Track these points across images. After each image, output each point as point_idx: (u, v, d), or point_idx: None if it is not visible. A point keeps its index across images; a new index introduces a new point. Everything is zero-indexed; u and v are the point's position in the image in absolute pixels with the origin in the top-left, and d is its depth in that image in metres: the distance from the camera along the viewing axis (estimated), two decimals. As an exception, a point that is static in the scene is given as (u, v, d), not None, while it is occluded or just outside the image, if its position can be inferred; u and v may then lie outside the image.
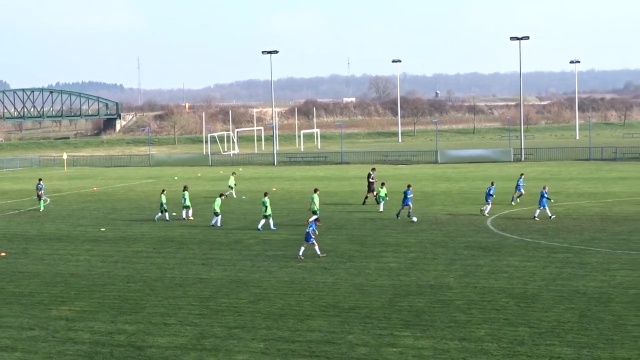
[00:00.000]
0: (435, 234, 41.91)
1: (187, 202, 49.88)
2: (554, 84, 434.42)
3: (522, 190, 54.38)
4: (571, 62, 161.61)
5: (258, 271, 33.69)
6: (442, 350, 22.16)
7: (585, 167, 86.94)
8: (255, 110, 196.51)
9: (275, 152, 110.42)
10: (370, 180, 56.66)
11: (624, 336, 23.00)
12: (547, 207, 46.42)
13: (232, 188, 62.84)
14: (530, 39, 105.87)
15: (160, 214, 49.58)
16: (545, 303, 27.00)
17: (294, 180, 79.86)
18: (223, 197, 47.97)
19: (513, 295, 28.25)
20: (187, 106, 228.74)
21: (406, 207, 47.40)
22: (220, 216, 46.60)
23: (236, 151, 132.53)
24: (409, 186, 49.03)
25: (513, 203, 53.04)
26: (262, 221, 45.05)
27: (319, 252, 36.25)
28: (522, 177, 55.97)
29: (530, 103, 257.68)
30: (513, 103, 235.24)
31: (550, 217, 45.99)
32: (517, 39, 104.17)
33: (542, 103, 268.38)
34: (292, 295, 29.24)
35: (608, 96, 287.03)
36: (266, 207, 44.71)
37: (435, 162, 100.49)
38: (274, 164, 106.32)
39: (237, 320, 25.96)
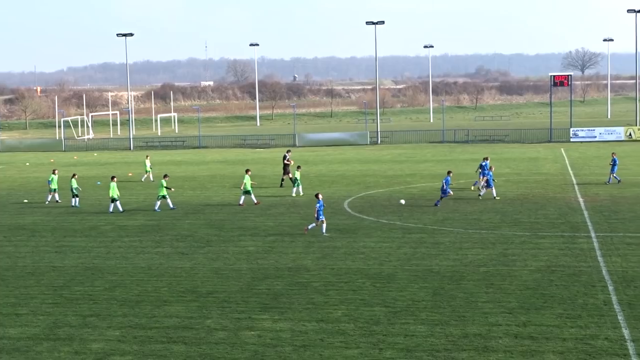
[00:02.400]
0: (294, 217, 42.14)
1: (54, 186, 49.76)
2: (409, 68, 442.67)
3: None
4: (425, 46, 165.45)
5: (114, 258, 33.08)
6: (300, 332, 22.34)
7: (439, 149, 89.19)
8: (110, 94, 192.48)
9: (131, 137, 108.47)
10: (286, 162, 56.35)
11: (475, 313, 23.76)
12: (493, 187, 47.39)
13: (148, 172, 61.79)
14: (386, 24, 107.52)
15: (73, 198, 48.25)
16: (400, 282, 27.60)
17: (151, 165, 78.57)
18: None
19: (369, 275, 28.74)
20: (39, 90, 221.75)
21: (445, 196, 45.63)
22: (117, 201, 45.54)
23: (91, 136, 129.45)
24: (449, 172, 46.80)
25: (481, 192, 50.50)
26: (112, 205, 45.08)
27: (324, 232, 36.62)
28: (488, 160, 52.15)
29: (387, 87, 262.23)
30: (370, 87, 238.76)
31: (495, 197, 47.01)
32: (373, 23, 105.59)
33: (398, 87, 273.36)
34: (150, 281, 28.87)
35: (461, 80, 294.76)
36: (162, 187, 45.40)
37: (294, 145, 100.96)
38: (130, 149, 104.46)
39: (92, 308, 25.43)
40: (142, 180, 61.50)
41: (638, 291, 25.64)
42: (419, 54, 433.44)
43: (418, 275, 28.57)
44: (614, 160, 53.09)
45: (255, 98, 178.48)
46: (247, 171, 48.33)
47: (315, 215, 36.90)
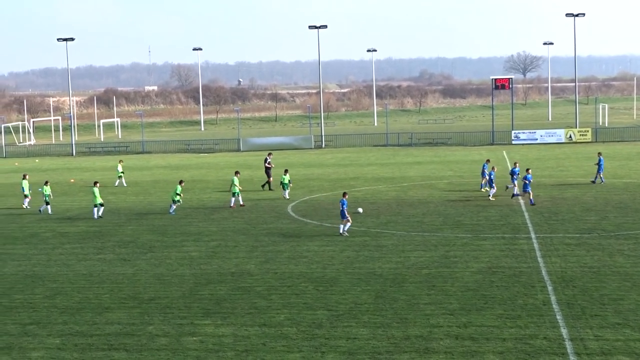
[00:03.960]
0: (237, 222, 42.05)
1: (26, 191, 49.87)
2: (353, 72, 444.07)
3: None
4: (369, 50, 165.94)
5: (55, 265, 32.69)
6: (242, 337, 22.30)
7: (383, 152, 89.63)
8: (52, 99, 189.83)
9: (73, 143, 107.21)
10: (267, 165, 56.11)
11: (417, 315, 23.94)
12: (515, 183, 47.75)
13: (120, 176, 61.23)
14: (329, 28, 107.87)
15: (44, 205, 47.62)
16: (343, 286, 27.69)
17: (93, 170, 77.87)
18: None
19: (312, 279, 28.79)
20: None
21: (526, 193, 45.48)
22: (99, 208, 45.16)
23: (32, 142, 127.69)
24: (527, 170, 46.63)
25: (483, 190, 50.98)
26: (95, 209, 44.91)
27: (345, 230, 37.16)
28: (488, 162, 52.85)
29: (331, 91, 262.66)
30: (314, 91, 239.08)
31: (489, 196, 47.50)
32: (316, 27, 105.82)
33: (342, 91, 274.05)
34: (91, 288, 28.58)
35: (404, 84, 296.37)
36: (95, 196, 44.93)
37: (238, 150, 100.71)
38: (72, 155, 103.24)
39: (32, 316, 25.10)
40: (115, 185, 61.02)
41: (576, 291, 26.05)
42: (363, 58, 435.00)
43: (361, 279, 28.70)
44: (599, 160, 53.96)
45: (199, 103, 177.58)
46: (236, 173, 48.96)
47: (341, 214, 37.44)
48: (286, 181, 50.40)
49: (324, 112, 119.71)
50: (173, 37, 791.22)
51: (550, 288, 26.55)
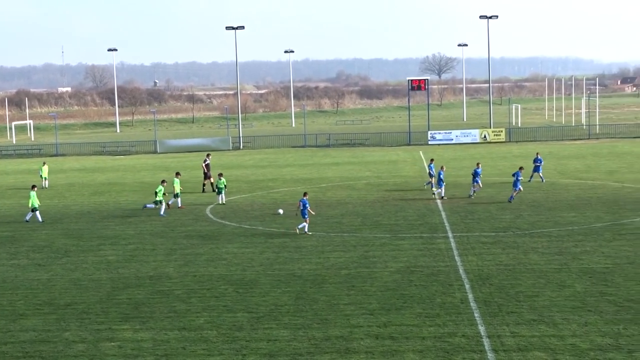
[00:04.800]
0: (155, 225, 41.58)
1: None
2: (270, 73, 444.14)
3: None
4: (286, 51, 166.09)
5: (-34, 271, 31.81)
6: (161, 341, 22.05)
7: (301, 153, 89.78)
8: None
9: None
10: (205, 165, 55.27)
11: (337, 315, 24.01)
12: (479, 183, 48.31)
13: (44, 178, 60.14)
14: (246, 29, 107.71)
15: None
16: (263, 288, 27.62)
17: (5, 174, 76.14)
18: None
19: (232, 281, 28.64)
20: None
21: (518, 190, 45.93)
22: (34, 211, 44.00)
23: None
24: (521, 168, 47.55)
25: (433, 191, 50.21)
26: (32, 213, 43.73)
27: (306, 230, 37.40)
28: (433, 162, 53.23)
29: (248, 92, 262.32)
30: (231, 92, 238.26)
31: (471, 196, 47.74)
32: (233, 28, 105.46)
33: (260, 92, 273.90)
34: (4, 294, 27.91)
35: (322, 85, 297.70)
36: (31, 199, 43.82)
37: (155, 152, 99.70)
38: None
39: (-58, 325, 24.36)
40: (45, 187, 59.87)
41: (493, 289, 26.47)
42: (281, 59, 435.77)
43: (281, 280, 28.66)
44: (538, 160, 55.00)
45: (114, 104, 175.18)
46: (177, 174, 48.61)
47: (302, 213, 37.52)
48: (222, 185, 48.74)
49: (241, 113, 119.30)
50: (87, 37, 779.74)
51: (467, 286, 26.92)
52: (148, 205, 45.79)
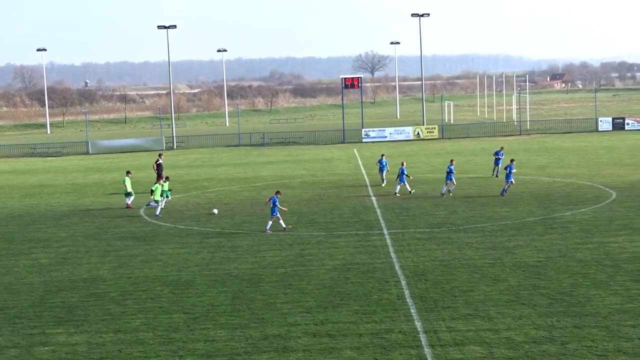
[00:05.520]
0: (88, 227, 41.02)
1: None
2: (203, 72, 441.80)
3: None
4: (219, 50, 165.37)
5: None
6: (96, 345, 21.74)
7: (236, 153, 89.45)
8: None
9: None
10: (157, 164, 54.28)
11: (274, 314, 23.95)
12: (406, 183, 47.48)
13: None
14: (179, 28, 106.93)
15: None
16: (199, 288, 27.43)
17: None
18: None
19: (167, 282, 28.39)
20: None
21: (510, 183, 46.14)
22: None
23: None
24: (512, 160, 47.87)
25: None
26: None
27: (268, 229, 37.27)
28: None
29: (181, 91, 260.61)
30: (164, 92, 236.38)
31: (410, 191, 47.35)
32: (165, 27, 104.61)
33: (193, 91, 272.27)
34: None
35: (255, 84, 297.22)
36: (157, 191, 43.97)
37: (87, 153, 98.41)
38: None
39: None
40: None
41: (429, 284, 26.68)
42: (213, 58, 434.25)
43: (217, 280, 28.50)
44: (500, 154, 55.38)
45: (44, 105, 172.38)
46: (127, 173, 48.51)
47: (271, 211, 37.36)
48: (165, 188, 46.89)
49: (174, 113, 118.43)
50: (15, 37, 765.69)
51: (403, 282, 27.09)
52: (151, 204, 45.25)
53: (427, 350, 20.32)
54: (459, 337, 21.22)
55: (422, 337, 21.28)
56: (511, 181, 46.30)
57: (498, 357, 19.67)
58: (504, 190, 46.33)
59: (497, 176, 54.08)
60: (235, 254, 32.79)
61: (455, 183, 47.41)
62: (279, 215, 37.47)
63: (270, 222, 37.57)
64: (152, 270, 30.44)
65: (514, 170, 46.77)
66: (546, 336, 21.03)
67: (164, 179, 47.48)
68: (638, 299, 24.15)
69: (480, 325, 22.15)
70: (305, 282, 27.65)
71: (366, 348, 20.70)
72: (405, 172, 47.98)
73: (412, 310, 23.70)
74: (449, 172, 47.00)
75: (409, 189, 48.01)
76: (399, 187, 47.86)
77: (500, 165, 54.58)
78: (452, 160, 48.73)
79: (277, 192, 38.57)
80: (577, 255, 30.18)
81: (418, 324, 22.39)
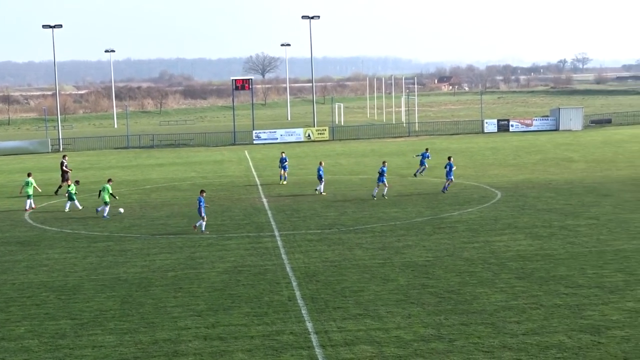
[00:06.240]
0: (-30, 232, 39.69)
1: None
2: (90, 73, 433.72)
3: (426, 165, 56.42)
4: (106, 51, 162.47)
5: None
6: (-21, 354, 21.05)
7: (124, 155, 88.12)
8: None
9: None
10: (64, 168, 52.40)
11: (164, 318, 23.67)
12: (385, 182, 46.01)
13: None
14: (64, 28, 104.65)
15: None
16: (87, 293, 26.88)
17: None
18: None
19: (54, 288, 27.72)
20: None
21: (450, 180, 47.30)
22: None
23: None
24: (449, 158, 48.84)
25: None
26: None
27: (202, 227, 36.96)
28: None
29: (68, 92, 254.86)
30: (50, 92, 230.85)
31: (384, 195, 45.97)
32: (50, 27, 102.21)
33: (80, 92, 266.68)
34: None
35: (144, 85, 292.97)
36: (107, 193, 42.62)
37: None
38: None
39: None
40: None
41: (320, 285, 26.80)
42: (101, 59, 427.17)
43: (105, 285, 27.98)
44: (426, 155, 56.44)
45: None
46: (29, 175, 47.76)
47: (198, 211, 36.94)
48: (73, 191, 45.62)
49: (60, 114, 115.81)
50: None
51: (295, 284, 27.14)
52: (99, 209, 43.48)
53: (318, 351, 20.40)
54: (350, 337, 21.38)
55: (313, 338, 21.36)
56: (451, 179, 47.18)
57: (388, 356, 19.90)
58: (444, 187, 47.38)
59: (415, 176, 55.49)
60: (124, 258, 32.27)
61: (387, 185, 46.30)
62: (204, 216, 37.08)
63: (204, 222, 37.09)
64: (38, 276, 29.67)
65: (454, 168, 47.87)
66: (434, 334, 21.39)
67: (74, 182, 46.82)
68: (522, 296, 24.82)
69: (371, 324, 22.37)
70: (196, 285, 27.42)
71: (257, 350, 20.65)
72: (385, 171, 46.28)
73: (303, 311, 23.77)
74: (381, 174, 45.96)
75: (384, 193, 46.37)
76: (376, 189, 46.37)
77: (425, 165, 56.12)
78: (384, 162, 47.87)
79: (202, 192, 38.11)
80: (464, 254, 30.83)
81: (309, 325, 22.46)
